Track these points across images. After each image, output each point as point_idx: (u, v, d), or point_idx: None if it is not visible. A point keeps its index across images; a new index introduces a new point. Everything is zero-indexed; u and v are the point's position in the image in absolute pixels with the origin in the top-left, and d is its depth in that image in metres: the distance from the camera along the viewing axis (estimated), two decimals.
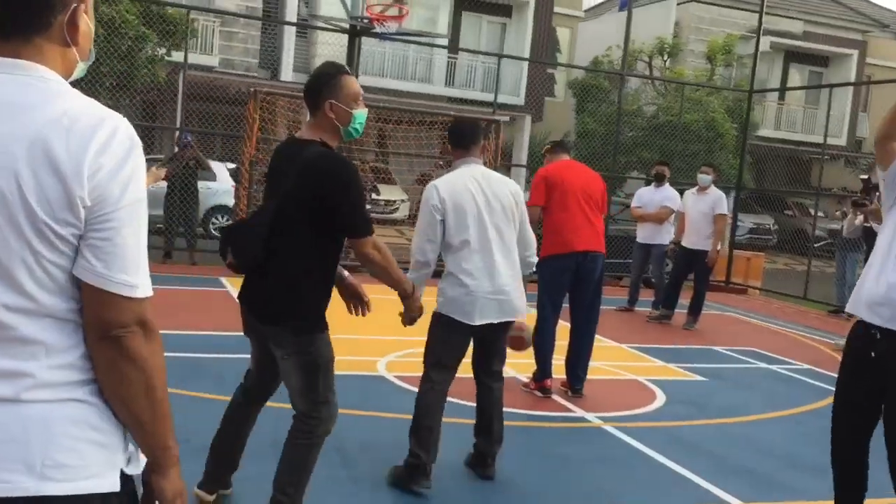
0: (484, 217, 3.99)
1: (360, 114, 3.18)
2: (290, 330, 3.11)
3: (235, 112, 15.58)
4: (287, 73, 22.12)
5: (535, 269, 4.46)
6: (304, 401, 3.19)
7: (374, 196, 17.14)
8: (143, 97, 16.41)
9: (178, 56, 16.59)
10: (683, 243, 9.56)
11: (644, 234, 10.21)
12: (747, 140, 21.01)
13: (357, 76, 11.31)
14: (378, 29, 10.18)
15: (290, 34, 21.84)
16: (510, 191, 4.14)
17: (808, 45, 26.29)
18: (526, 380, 6.21)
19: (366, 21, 10.20)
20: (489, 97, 22.45)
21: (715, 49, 21.99)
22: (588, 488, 4.38)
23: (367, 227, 3.15)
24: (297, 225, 3.06)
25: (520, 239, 4.20)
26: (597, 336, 8.41)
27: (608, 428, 5.40)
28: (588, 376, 6.61)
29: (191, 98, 19.30)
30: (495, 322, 4.07)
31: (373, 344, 6.98)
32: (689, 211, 9.50)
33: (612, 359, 7.52)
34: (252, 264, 3.15)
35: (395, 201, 19.81)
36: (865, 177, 6.95)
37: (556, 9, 25.03)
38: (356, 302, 3.41)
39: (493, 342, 4.21)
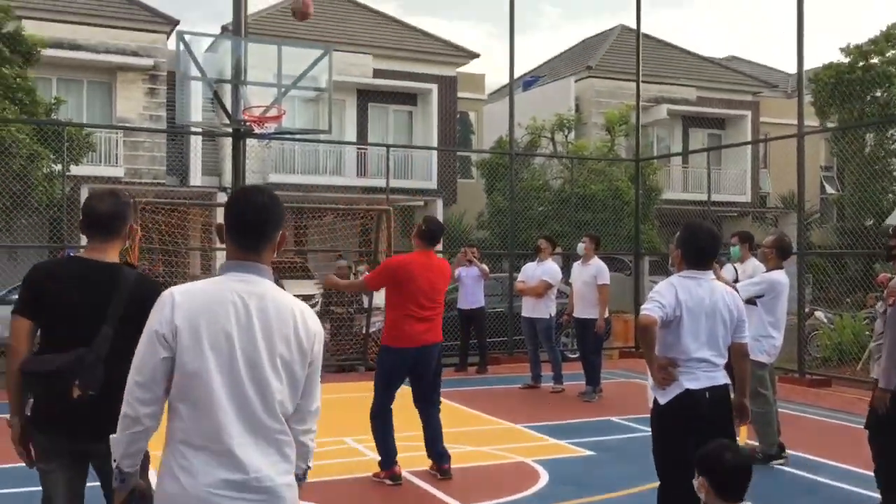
0: (238, 367, 2.36)
1: None
2: None
3: (144, 222, 15.51)
4: (196, 178, 22.11)
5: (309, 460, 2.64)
6: None
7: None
8: (47, 215, 16.12)
9: (78, 170, 16.51)
10: (574, 314, 9.74)
11: (527, 308, 10.39)
12: (654, 205, 21.70)
13: (244, 175, 11.35)
14: (257, 130, 10.27)
15: (197, 140, 21.91)
16: (300, 328, 2.46)
17: (704, 110, 27.40)
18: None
19: (246, 124, 10.27)
20: (402, 183, 22.83)
21: (612, 120, 22.73)
22: None
23: None
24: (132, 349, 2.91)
25: (299, 406, 2.50)
26: (491, 417, 8.49)
27: None
28: (471, 463, 6.56)
29: None
30: None
31: None
32: (575, 282, 9.72)
33: (501, 441, 7.43)
34: (95, 392, 3.14)
35: (312, 296, 19.71)
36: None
37: (461, 93, 25.70)
38: None
39: None
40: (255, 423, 2.38)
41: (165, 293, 2.42)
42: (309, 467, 2.61)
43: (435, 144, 23.90)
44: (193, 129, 17.31)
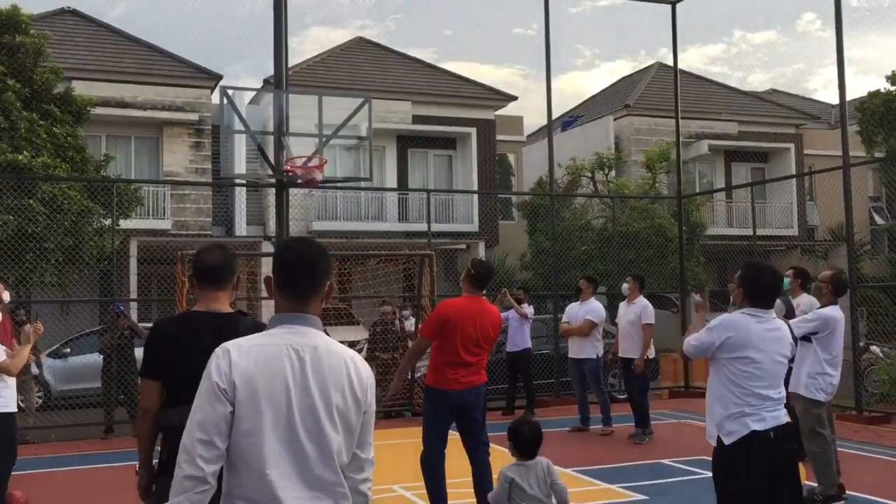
0: (296, 421, 2.35)
1: None
2: None
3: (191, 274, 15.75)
4: (241, 229, 22.45)
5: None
6: None
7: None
8: (98, 268, 16.49)
9: (127, 224, 16.89)
10: (620, 354, 9.66)
11: (573, 349, 10.32)
12: (698, 242, 21.46)
13: (288, 225, 11.52)
14: (300, 180, 10.42)
15: (241, 191, 22.30)
16: (353, 377, 2.44)
17: (746, 144, 27.18)
18: None
19: (289, 175, 10.44)
20: (444, 227, 22.94)
21: (652, 158, 22.65)
22: None
23: None
24: None
25: (356, 455, 2.47)
26: None
27: None
28: None
29: (146, 262, 19.52)
30: None
31: None
32: (620, 321, 9.65)
33: None
34: None
35: (358, 341, 19.78)
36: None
37: (500, 136, 25.87)
38: None
39: None
40: (313, 477, 2.35)
41: (219, 349, 2.40)
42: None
43: (475, 187, 24.02)
44: (238, 180, 17.66)
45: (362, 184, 16.19)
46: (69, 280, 15.41)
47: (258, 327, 3.31)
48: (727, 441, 4.05)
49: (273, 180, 11.46)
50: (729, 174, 27.69)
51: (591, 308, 10.09)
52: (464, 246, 23.73)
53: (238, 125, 10.66)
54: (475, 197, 23.92)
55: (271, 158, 10.96)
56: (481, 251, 23.43)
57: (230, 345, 2.40)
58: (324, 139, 10.52)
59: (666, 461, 8.34)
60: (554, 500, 4.49)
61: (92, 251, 15.08)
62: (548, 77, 13.94)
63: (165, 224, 21.04)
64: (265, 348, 2.39)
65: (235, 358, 2.35)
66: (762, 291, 4.19)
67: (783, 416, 4.12)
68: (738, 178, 27.46)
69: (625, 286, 9.79)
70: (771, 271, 4.29)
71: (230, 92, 10.54)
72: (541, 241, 20.94)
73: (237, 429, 2.33)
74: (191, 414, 2.35)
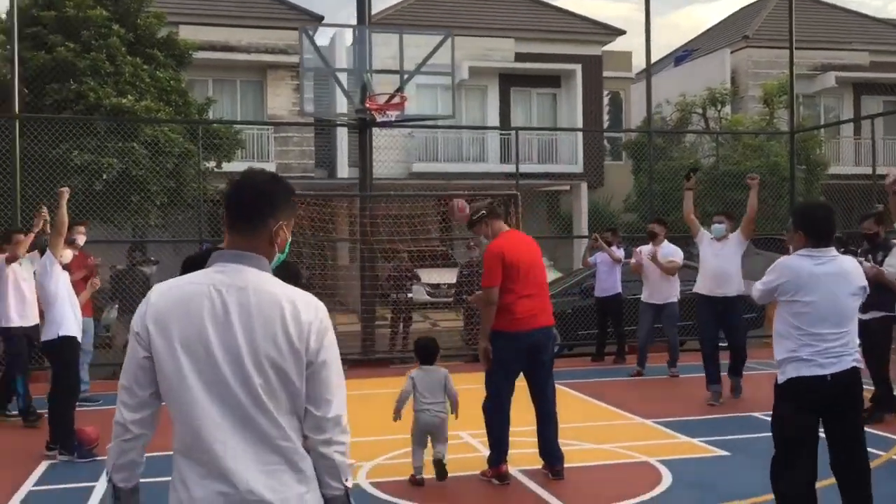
0: (221, 368, 2.07)
1: None
2: None
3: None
4: (343, 170, 22.57)
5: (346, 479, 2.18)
6: None
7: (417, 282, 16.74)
8: (204, 209, 16.92)
9: (231, 167, 17.19)
10: (705, 292, 8.49)
11: (653, 294, 9.89)
12: (818, 181, 20.09)
13: (371, 165, 11.38)
14: (380, 118, 10.22)
15: (343, 132, 22.33)
16: (289, 322, 2.09)
17: (878, 76, 25.07)
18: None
19: (370, 113, 10.26)
20: (548, 168, 22.38)
21: (770, 92, 21.21)
22: None
23: None
24: None
25: (310, 413, 2.13)
26: (620, 412, 8.01)
27: None
28: (589, 462, 6.18)
29: None
30: None
31: (355, 447, 6.62)
32: (710, 260, 8.60)
33: (627, 438, 6.95)
34: None
35: (454, 284, 19.66)
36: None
37: (606, 73, 24.85)
38: None
39: None
40: (251, 427, 2.07)
41: (150, 291, 2.22)
42: (346, 487, 2.16)
43: (580, 126, 23.21)
44: (314, 120, 17.61)
45: (453, 123, 15.80)
46: (173, 221, 15.85)
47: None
48: (779, 380, 4.21)
49: (357, 121, 11.31)
50: (858, 108, 25.68)
51: (671, 251, 9.83)
52: (567, 187, 23.12)
53: (319, 63, 10.51)
54: (580, 136, 23.16)
55: (356, 98, 10.81)
56: (583, 192, 22.75)
57: (156, 287, 2.21)
58: (405, 76, 10.24)
59: (756, 414, 7.78)
60: (447, 399, 5.70)
61: (194, 192, 15.40)
62: (647, 7, 13.12)
63: (270, 167, 21.33)
64: (185, 288, 2.15)
65: (154, 299, 2.16)
66: (815, 229, 4.19)
67: (848, 361, 4.10)
68: (869, 112, 25.46)
69: (720, 227, 8.76)
70: (823, 207, 4.33)
71: (320, 30, 10.41)
72: (644, 181, 20.12)
73: (161, 375, 2.12)
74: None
